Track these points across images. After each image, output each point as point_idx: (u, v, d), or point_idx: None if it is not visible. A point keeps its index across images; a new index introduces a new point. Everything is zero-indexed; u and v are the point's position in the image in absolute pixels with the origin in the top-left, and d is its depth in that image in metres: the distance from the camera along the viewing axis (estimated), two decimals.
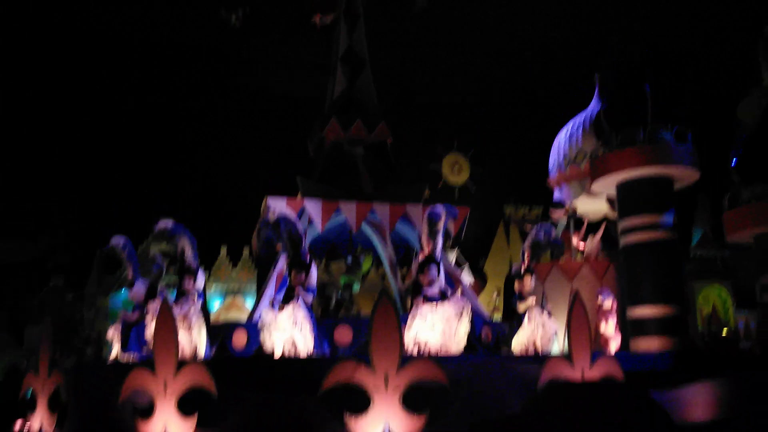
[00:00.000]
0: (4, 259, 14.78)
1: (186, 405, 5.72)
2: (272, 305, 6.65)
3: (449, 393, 5.62)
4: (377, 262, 11.92)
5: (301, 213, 9.42)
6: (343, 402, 5.52)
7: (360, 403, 5.52)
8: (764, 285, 11.80)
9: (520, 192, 17.21)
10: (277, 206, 9.07)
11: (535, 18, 14.61)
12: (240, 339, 7.72)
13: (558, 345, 7.15)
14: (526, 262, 7.32)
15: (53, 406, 7.00)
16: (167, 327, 6.04)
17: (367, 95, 10.82)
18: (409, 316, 6.51)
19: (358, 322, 7.64)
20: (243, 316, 15.42)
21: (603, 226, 12.66)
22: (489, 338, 7.99)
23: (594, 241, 12.28)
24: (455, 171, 14.20)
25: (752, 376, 6.90)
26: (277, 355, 6.32)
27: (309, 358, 6.28)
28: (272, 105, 16.21)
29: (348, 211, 9.65)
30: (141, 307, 7.38)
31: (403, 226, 9.97)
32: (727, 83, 11.74)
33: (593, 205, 13.18)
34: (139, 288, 7.51)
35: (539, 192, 15.12)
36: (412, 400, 5.55)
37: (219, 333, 7.65)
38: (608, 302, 9.13)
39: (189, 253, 7.15)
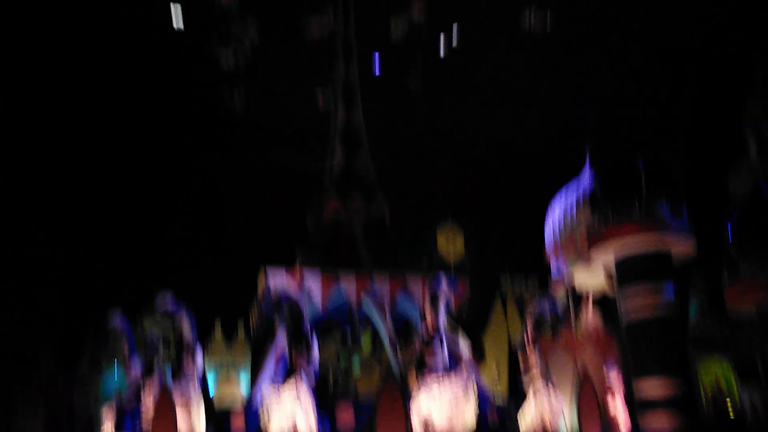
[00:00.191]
0: None
1: None
2: (273, 382, 6.52)
3: None
4: (376, 338, 11.79)
5: (300, 287, 9.36)
6: None
7: None
8: None
9: (517, 261, 17.20)
10: (276, 277, 9.01)
11: (526, 91, 14.98)
12: (238, 423, 7.49)
13: (565, 422, 6.99)
14: (529, 336, 7.25)
15: None
16: (167, 415, 5.87)
17: (365, 169, 10.97)
18: (414, 391, 6.36)
19: (360, 403, 7.45)
20: (237, 392, 15.06)
21: (594, 300, 12.65)
22: (495, 420, 7.80)
23: (593, 315, 12.22)
24: (450, 243, 14.23)
25: None
26: None
27: None
28: (270, 177, 16.34)
29: (347, 283, 9.61)
30: (136, 388, 7.20)
31: (402, 300, 9.91)
32: (717, 154, 11.93)
33: (591, 277, 13.15)
34: (136, 367, 7.34)
35: (536, 261, 15.13)
36: None
37: (217, 417, 7.43)
38: (614, 376, 9.00)
39: (187, 332, 7.04)
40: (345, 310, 10.72)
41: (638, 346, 11.22)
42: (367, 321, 10.67)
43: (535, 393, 6.96)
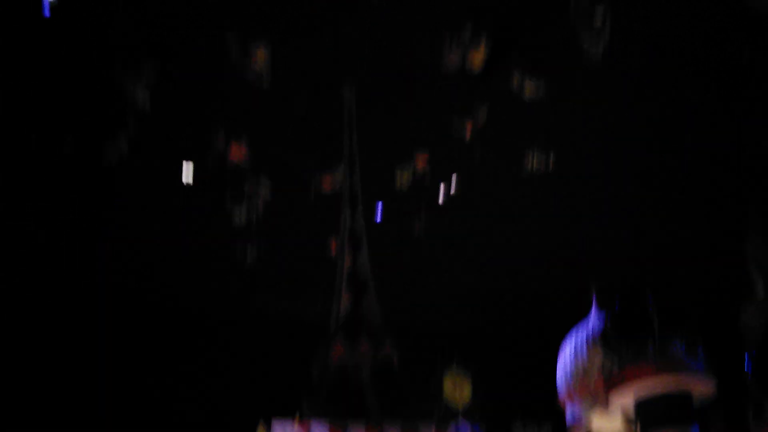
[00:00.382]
0: None
1: None
2: None
3: None
4: None
5: None
6: None
7: None
8: None
9: (528, 408, 16.67)
10: (283, 430, 8.77)
11: (529, 231, 15.27)
12: None
13: None
14: None
15: None
16: None
17: (372, 315, 10.92)
18: None
19: None
20: None
21: None
22: None
23: None
24: (457, 389, 13.85)
25: None
26: None
27: None
28: (272, 326, 16.18)
29: None
30: None
31: None
32: (730, 290, 11.93)
33: (609, 421, 12.66)
34: None
35: (549, 407, 14.68)
36: None
37: None
38: None
39: None
40: None
41: None
42: None
43: None
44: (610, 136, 12.83)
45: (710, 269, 14.58)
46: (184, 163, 13.49)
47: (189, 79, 12.36)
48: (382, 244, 13.66)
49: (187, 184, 12.88)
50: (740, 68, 11.51)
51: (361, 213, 11.81)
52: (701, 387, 12.01)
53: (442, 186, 13.89)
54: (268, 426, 9.42)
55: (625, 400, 12.13)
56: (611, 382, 12.00)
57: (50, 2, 10.65)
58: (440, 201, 13.54)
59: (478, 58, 10.40)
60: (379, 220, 13.69)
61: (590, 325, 14.36)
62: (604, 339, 12.72)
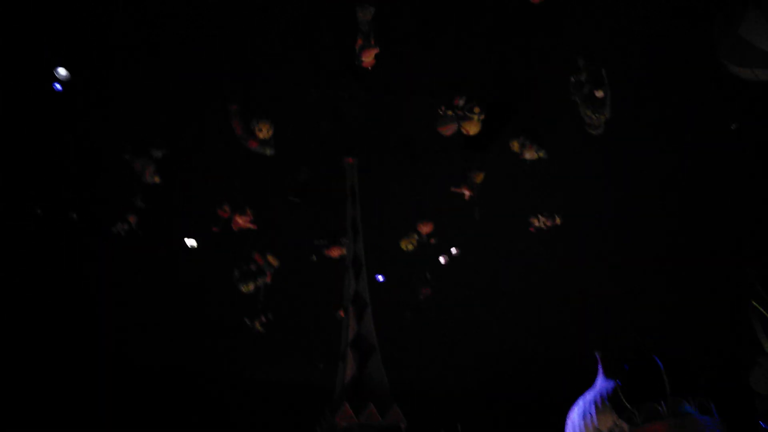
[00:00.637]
0: None
1: None
2: None
3: None
4: None
5: None
6: None
7: None
8: None
9: None
10: None
11: (538, 301, 15.30)
12: None
13: None
14: None
15: None
16: None
17: (378, 379, 10.81)
18: None
19: None
20: None
21: None
22: None
23: None
24: None
25: None
26: None
27: None
28: (276, 392, 16.02)
29: None
30: None
31: None
32: (737, 347, 11.82)
33: None
34: None
35: None
36: None
37: None
38: None
39: None
40: None
41: None
42: None
43: None
44: (616, 196, 13.00)
45: (720, 328, 14.50)
46: (186, 240, 13.66)
47: (195, 152, 12.57)
48: (386, 308, 13.68)
49: (192, 248, 12.97)
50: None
51: (365, 278, 11.86)
52: None
53: (442, 256, 13.95)
54: None
55: None
56: None
57: (61, 80, 11.02)
58: (443, 262, 13.57)
59: (473, 127, 10.54)
60: (381, 279, 13.73)
61: (598, 388, 14.25)
62: (616, 400, 12.59)
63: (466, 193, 11.50)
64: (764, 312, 12.11)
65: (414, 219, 12.62)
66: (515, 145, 10.82)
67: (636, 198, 13.01)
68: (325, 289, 14.75)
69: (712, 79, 9.39)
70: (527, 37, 10.26)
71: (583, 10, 10.05)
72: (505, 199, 13.05)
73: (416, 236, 12.47)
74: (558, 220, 11.10)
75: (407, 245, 12.56)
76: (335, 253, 12.60)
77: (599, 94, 8.87)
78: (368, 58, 9.42)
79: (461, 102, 10.18)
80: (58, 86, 11.02)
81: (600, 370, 14.75)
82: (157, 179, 11.20)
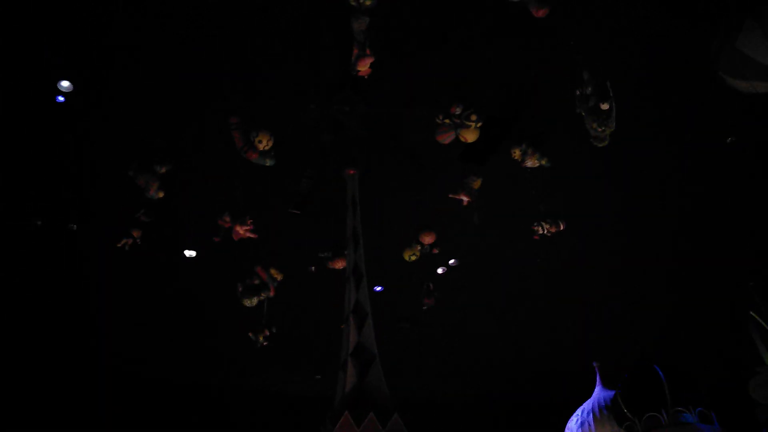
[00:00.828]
0: None
1: None
2: None
3: None
4: None
5: None
6: None
7: None
8: None
9: None
10: None
11: (536, 311, 15.30)
12: None
13: None
14: None
15: None
16: None
17: (378, 388, 10.77)
18: None
19: None
20: None
21: None
22: None
23: None
24: None
25: None
26: None
27: None
28: (274, 402, 15.97)
29: None
30: None
31: None
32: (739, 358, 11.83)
33: None
34: None
35: None
36: None
37: None
38: None
39: None
40: None
41: None
42: None
43: None
44: (616, 201, 13.04)
45: (722, 337, 14.54)
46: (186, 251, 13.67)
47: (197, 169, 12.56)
48: (387, 318, 13.67)
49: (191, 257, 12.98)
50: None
51: (366, 288, 11.85)
52: None
53: (441, 268, 13.96)
54: None
55: None
56: None
57: (63, 91, 11.05)
58: (441, 273, 13.59)
59: (471, 134, 10.56)
60: (379, 290, 13.73)
61: (596, 397, 14.23)
62: (616, 409, 12.57)
63: (465, 199, 11.50)
64: (763, 323, 12.15)
65: (414, 229, 12.67)
66: (516, 153, 10.84)
67: (636, 201, 13.05)
68: (323, 300, 14.76)
69: (714, 79, 9.43)
70: (527, 38, 10.28)
71: (583, 10, 10.09)
72: (505, 205, 13.11)
73: (419, 246, 12.47)
74: (562, 226, 11.09)
75: (410, 256, 12.57)
76: (340, 265, 12.59)
77: (605, 106, 8.90)
78: (364, 68, 9.40)
79: (458, 110, 10.21)
80: (60, 98, 11.06)
81: (598, 380, 14.73)
82: (161, 194, 11.21)
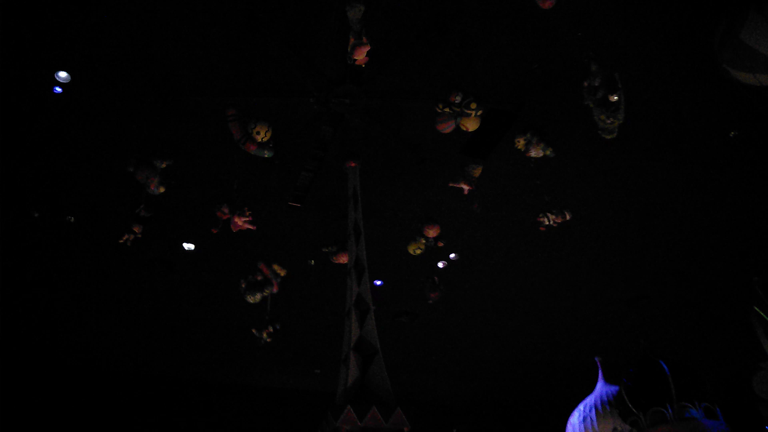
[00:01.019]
0: None
1: None
2: None
3: None
4: None
5: None
6: None
7: None
8: None
9: None
10: None
11: (538, 309, 15.23)
12: None
13: None
14: None
15: None
16: None
17: (381, 383, 10.65)
18: None
19: None
20: None
21: None
22: None
23: None
24: None
25: None
26: None
27: None
28: (274, 397, 15.86)
29: None
30: None
31: None
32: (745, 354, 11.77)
33: None
34: None
35: None
36: None
37: None
38: None
39: None
40: None
41: None
42: None
43: None
44: (621, 201, 12.96)
45: (726, 332, 14.49)
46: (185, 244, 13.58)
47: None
48: (389, 311, 13.58)
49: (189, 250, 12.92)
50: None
51: (367, 282, 11.71)
52: None
53: (441, 262, 13.86)
54: None
55: None
56: None
57: (61, 81, 10.92)
58: (441, 267, 13.49)
59: (471, 123, 10.45)
60: (379, 284, 13.65)
61: (598, 392, 14.18)
62: (621, 404, 12.51)
63: (465, 188, 11.38)
64: (767, 318, 12.08)
65: (416, 222, 12.57)
66: (521, 142, 10.74)
67: (641, 201, 12.98)
68: (321, 294, 14.67)
69: (722, 80, 9.35)
70: (532, 30, 10.18)
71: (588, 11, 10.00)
72: (507, 199, 13.02)
73: (424, 240, 12.36)
74: (568, 216, 10.97)
75: (415, 250, 12.46)
76: (344, 259, 12.49)
77: (614, 98, 8.81)
78: (360, 56, 9.30)
79: (458, 98, 10.11)
80: (58, 89, 10.94)
81: (600, 375, 14.69)
82: (162, 190, 11.09)
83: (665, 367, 11.65)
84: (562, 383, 15.74)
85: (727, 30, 9.16)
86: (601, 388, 14.16)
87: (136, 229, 11.47)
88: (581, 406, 14.00)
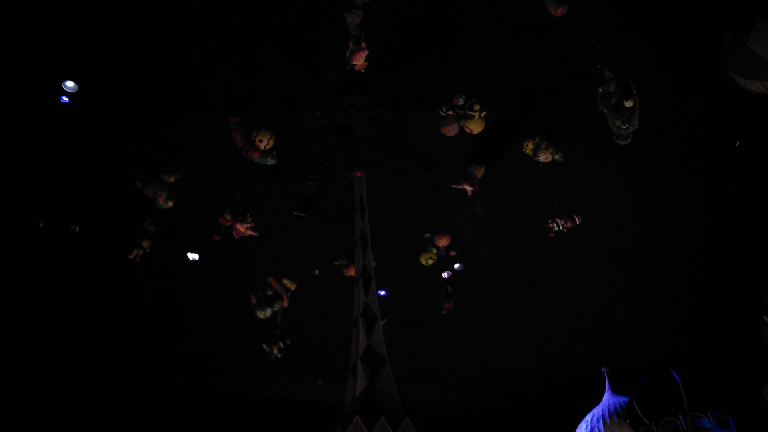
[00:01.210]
0: None
1: None
2: None
3: None
4: None
5: None
6: None
7: None
8: None
9: None
10: None
11: (546, 316, 15.13)
12: None
13: None
14: None
15: None
16: None
17: (389, 392, 10.57)
18: None
19: None
20: None
21: None
22: None
23: None
24: None
25: None
26: None
27: None
28: (281, 409, 15.75)
29: None
30: None
31: None
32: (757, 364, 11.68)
33: None
34: None
35: None
36: None
37: None
38: None
39: None
40: None
41: None
42: None
43: None
44: (630, 208, 12.92)
45: (738, 342, 14.38)
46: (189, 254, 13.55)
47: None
48: (393, 324, 13.47)
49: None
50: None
51: (374, 291, 11.65)
52: None
53: (446, 272, 13.79)
54: None
55: None
56: None
57: (68, 91, 10.93)
58: (445, 276, 13.42)
59: (476, 125, 10.43)
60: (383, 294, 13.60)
61: (605, 404, 14.05)
62: (633, 414, 12.37)
63: (468, 189, 11.32)
64: None
65: (423, 230, 12.52)
66: (529, 146, 10.70)
67: (650, 209, 12.93)
68: (324, 304, 14.59)
69: (730, 88, 9.34)
70: (543, 37, 10.17)
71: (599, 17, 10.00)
72: (514, 207, 12.98)
73: (435, 250, 12.33)
74: (578, 221, 10.91)
75: (427, 260, 12.42)
76: (354, 272, 12.47)
77: (629, 104, 8.81)
78: (359, 61, 9.31)
79: (461, 100, 10.11)
80: (65, 99, 10.94)
81: (607, 386, 14.56)
82: (170, 204, 11.08)
83: (676, 377, 11.56)
84: (570, 394, 15.61)
85: (734, 38, 9.17)
86: (608, 398, 14.04)
87: (144, 244, 11.47)
88: (588, 417, 13.87)
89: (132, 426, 16.68)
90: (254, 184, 12.13)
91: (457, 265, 13.75)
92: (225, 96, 11.28)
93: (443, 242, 12.27)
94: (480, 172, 11.33)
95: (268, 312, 11.55)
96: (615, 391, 14.18)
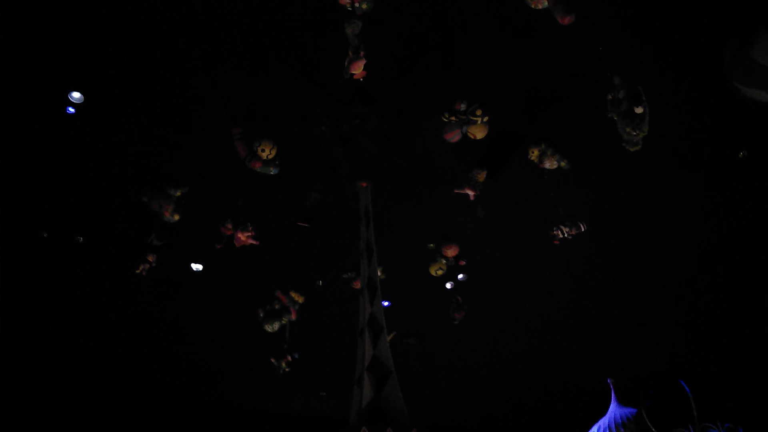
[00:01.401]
0: None
1: None
2: None
3: None
4: None
5: None
6: None
7: None
8: None
9: None
10: None
11: (552, 328, 15.06)
12: None
13: None
14: None
15: None
16: None
17: (395, 403, 10.47)
18: None
19: None
20: None
21: None
22: None
23: None
24: None
25: None
26: None
27: None
28: (286, 421, 15.63)
29: None
30: None
31: None
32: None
33: None
34: None
35: None
36: None
37: None
38: None
39: None
40: None
41: None
42: None
43: None
44: (635, 217, 12.86)
45: (747, 352, 14.29)
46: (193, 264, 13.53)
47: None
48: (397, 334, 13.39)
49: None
50: None
51: (380, 301, 11.59)
52: None
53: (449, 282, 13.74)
54: None
55: None
56: None
57: (74, 102, 10.96)
58: (449, 286, 13.38)
59: (479, 130, 10.43)
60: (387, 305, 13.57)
61: (611, 415, 13.95)
62: (641, 426, 12.25)
63: (471, 193, 11.29)
64: None
65: (428, 240, 12.48)
66: (535, 153, 10.68)
67: (656, 215, 12.88)
68: (327, 315, 14.51)
69: (736, 99, 9.33)
70: (551, 44, 10.17)
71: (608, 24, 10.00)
72: (518, 215, 12.93)
73: (444, 261, 12.31)
74: (583, 228, 10.85)
75: (437, 270, 12.40)
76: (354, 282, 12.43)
77: (639, 110, 8.81)
78: (357, 70, 9.39)
79: (463, 106, 10.14)
80: (71, 110, 10.95)
81: (613, 397, 14.45)
82: (177, 217, 11.08)
83: (686, 387, 11.46)
84: (577, 405, 15.49)
85: (737, 48, 9.17)
86: (614, 409, 13.93)
87: (150, 258, 11.50)
88: (594, 428, 13.77)
89: None
90: (259, 195, 12.13)
91: (460, 276, 13.71)
92: (230, 108, 11.30)
93: (451, 252, 12.25)
94: (481, 176, 11.32)
95: (276, 325, 11.58)
96: (621, 402, 14.09)
